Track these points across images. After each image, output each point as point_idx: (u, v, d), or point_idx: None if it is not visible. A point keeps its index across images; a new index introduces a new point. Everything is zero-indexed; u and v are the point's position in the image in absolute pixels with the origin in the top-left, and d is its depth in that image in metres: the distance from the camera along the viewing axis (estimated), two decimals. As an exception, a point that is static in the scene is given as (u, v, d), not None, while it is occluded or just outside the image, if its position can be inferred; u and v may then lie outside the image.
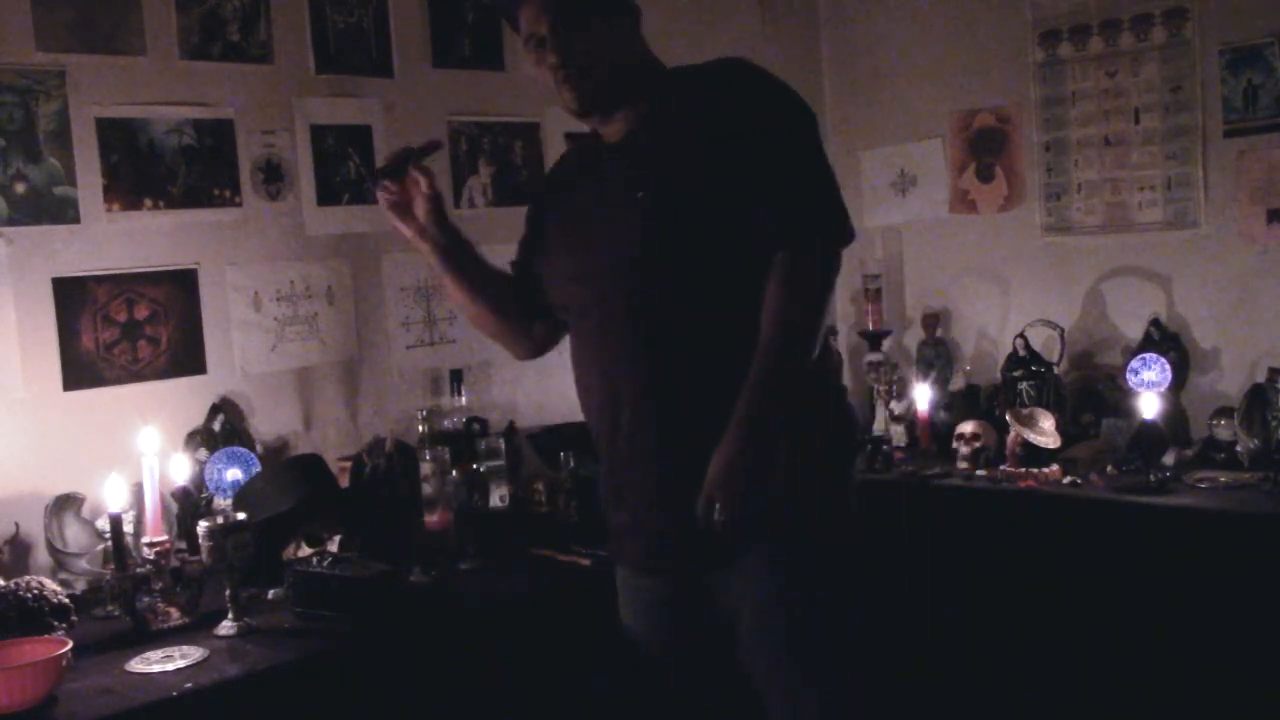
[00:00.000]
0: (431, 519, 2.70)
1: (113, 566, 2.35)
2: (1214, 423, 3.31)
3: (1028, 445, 3.38)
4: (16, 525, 2.58)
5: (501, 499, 2.91)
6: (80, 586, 2.54)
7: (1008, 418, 3.44)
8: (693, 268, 1.96)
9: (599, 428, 2.11)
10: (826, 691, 2.03)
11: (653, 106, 2.03)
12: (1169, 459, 3.18)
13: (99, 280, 2.76)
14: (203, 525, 2.32)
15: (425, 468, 2.71)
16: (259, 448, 2.92)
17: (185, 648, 2.21)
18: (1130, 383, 3.43)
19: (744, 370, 1.91)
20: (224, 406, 2.92)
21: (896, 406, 3.77)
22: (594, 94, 2.04)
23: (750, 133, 1.94)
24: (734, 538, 1.91)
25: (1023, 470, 3.34)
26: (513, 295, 2.26)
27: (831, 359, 2.20)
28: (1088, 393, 3.66)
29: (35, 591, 2.26)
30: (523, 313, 2.26)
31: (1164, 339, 3.51)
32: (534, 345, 2.33)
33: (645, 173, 2.00)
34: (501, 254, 3.47)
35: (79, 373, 2.73)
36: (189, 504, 2.70)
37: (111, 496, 2.34)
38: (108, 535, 2.40)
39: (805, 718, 2.02)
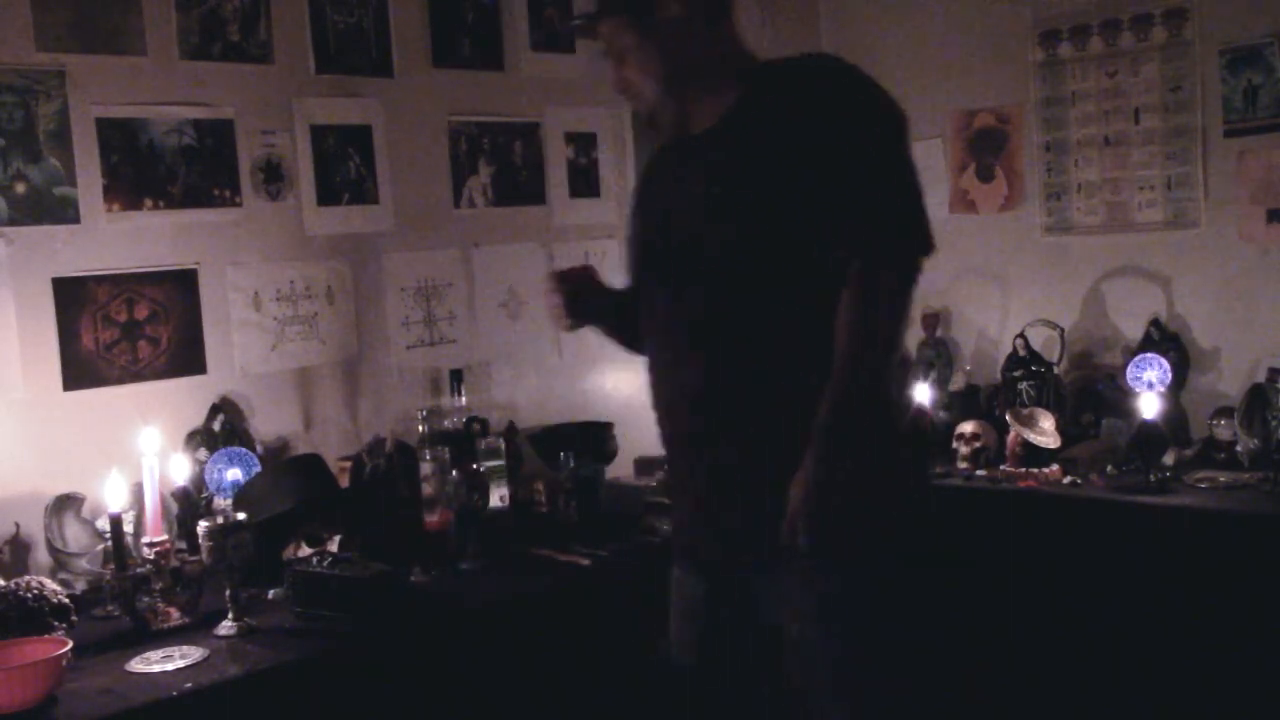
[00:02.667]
0: (431, 519, 2.70)
1: (113, 566, 2.34)
2: (1214, 423, 3.31)
3: (1028, 445, 3.39)
4: (16, 525, 2.58)
5: (501, 499, 2.91)
6: (80, 586, 2.54)
7: (1008, 418, 3.44)
8: (760, 274, 1.92)
9: (662, 424, 2.12)
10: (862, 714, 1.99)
11: (739, 101, 1.99)
12: (1169, 459, 3.18)
13: (99, 280, 2.76)
14: (203, 525, 2.32)
15: (425, 468, 2.71)
16: (259, 448, 2.92)
17: (185, 648, 2.21)
18: (1130, 383, 3.43)
19: (804, 379, 1.88)
20: (224, 406, 2.92)
21: (896, 406, 3.77)
22: (651, 112, 2.07)
23: (831, 139, 1.88)
24: (820, 556, 1.87)
25: (1023, 470, 3.34)
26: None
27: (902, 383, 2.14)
28: (1088, 393, 3.66)
29: (35, 591, 2.26)
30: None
31: (1164, 339, 3.51)
32: None
33: (721, 173, 1.97)
34: (501, 253, 3.49)
35: (79, 373, 2.73)
36: (189, 504, 2.69)
37: (111, 496, 2.34)
38: (108, 535, 2.40)
39: None
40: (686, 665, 2.15)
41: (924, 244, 1.93)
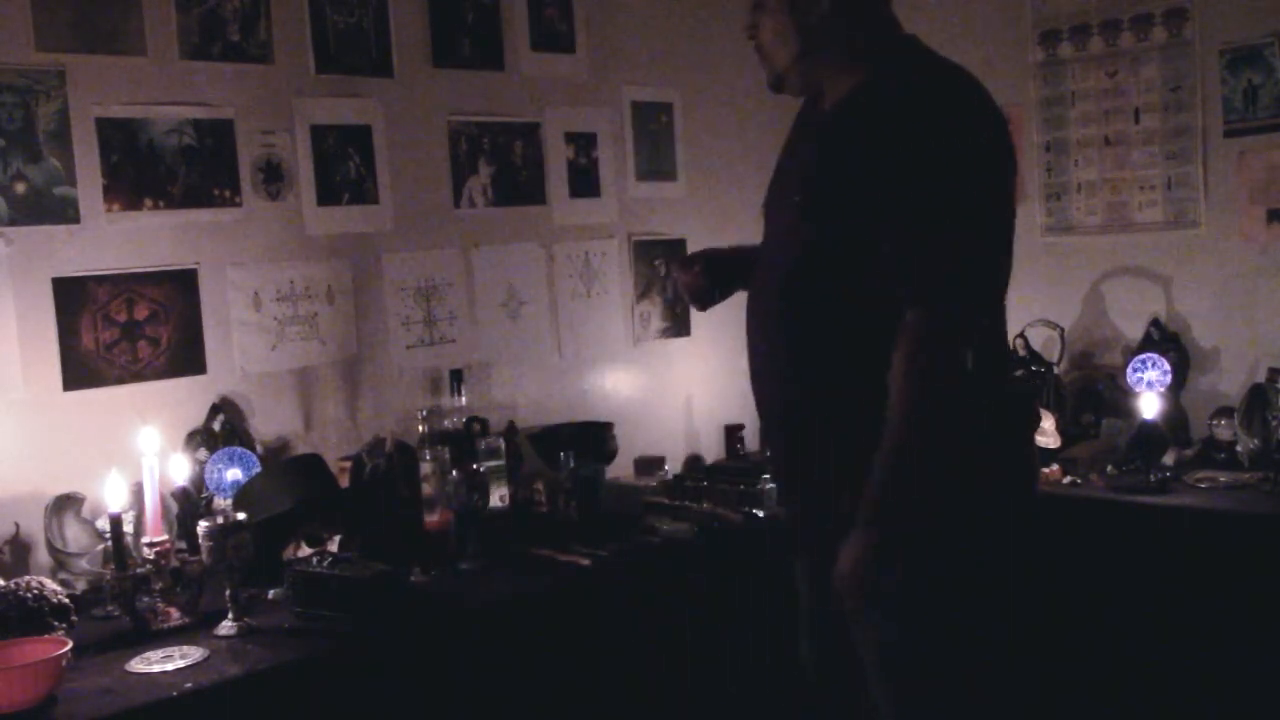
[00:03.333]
0: (431, 519, 2.71)
1: (113, 566, 2.34)
2: (1214, 423, 3.31)
3: (1028, 445, 3.38)
4: (16, 525, 2.58)
5: (501, 499, 2.91)
6: (80, 586, 2.54)
7: (1008, 418, 3.43)
8: (831, 286, 1.91)
9: (753, 389, 2.13)
10: None
11: (856, 91, 1.94)
12: (1169, 459, 3.18)
13: (99, 280, 2.76)
14: (203, 525, 2.32)
15: (425, 468, 2.71)
16: (259, 448, 2.92)
17: (185, 648, 2.21)
18: (1130, 383, 3.43)
19: (865, 393, 1.86)
20: (224, 406, 2.91)
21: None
22: (778, 80, 2.05)
23: (913, 168, 1.82)
24: (871, 609, 1.90)
25: (1023, 470, 3.34)
26: None
27: (1007, 417, 2.03)
28: (1088, 393, 3.66)
29: (35, 591, 2.26)
30: None
31: (1164, 339, 3.51)
32: None
33: (814, 175, 1.97)
34: (501, 253, 3.49)
35: (79, 373, 2.72)
36: (189, 504, 2.69)
37: (111, 496, 2.34)
38: (108, 535, 2.40)
39: None
40: (808, 657, 2.20)
41: (973, 295, 1.88)
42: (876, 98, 1.91)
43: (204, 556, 2.33)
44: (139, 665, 2.14)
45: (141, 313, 2.83)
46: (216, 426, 2.87)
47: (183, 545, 2.60)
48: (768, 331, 2.03)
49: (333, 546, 2.69)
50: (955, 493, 1.88)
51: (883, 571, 1.84)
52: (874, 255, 1.85)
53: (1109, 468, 3.28)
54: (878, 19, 2.01)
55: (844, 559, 1.86)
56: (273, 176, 3.04)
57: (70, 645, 2.03)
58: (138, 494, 2.51)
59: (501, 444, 2.97)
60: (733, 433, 3.82)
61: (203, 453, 2.81)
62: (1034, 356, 3.63)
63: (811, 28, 1.96)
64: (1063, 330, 3.66)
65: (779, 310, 1.99)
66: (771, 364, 2.02)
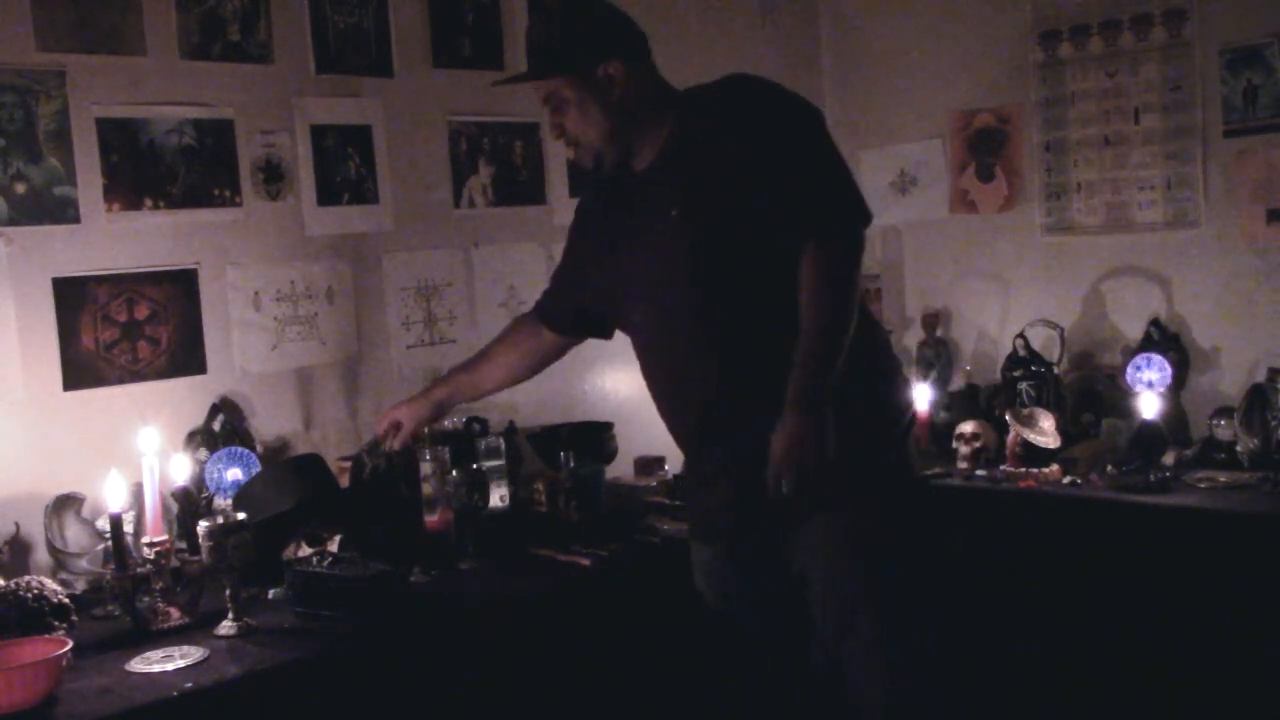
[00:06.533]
0: (431, 519, 2.70)
1: (113, 566, 2.34)
2: (1214, 423, 3.31)
3: (1028, 445, 3.38)
4: (16, 525, 2.58)
5: (501, 499, 2.91)
6: (80, 586, 2.54)
7: (1008, 418, 3.44)
8: (731, 271, 2.13)
9: (673, 424, 2.34)
10: (897, 648, 2.17)
11: (674, 131, 2.21)
12: (1169, 459, 3.18)
13: (99, 280, 2.76)
14: (203, 525, 2.32)
15: (425, 468, 2.71)
16: (259, 448, 2.92)
17: (185, 648, 2.21)
18: (1130, 383, 3.43)
19: (790, 358, 2.08)
20: (224, 406, 2.92)
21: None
22: (598, 158, 2.23)
23: (763, 141, 2.13)
24: (803, 506, 2.10)
25: (1023, 470, 3.34)
26: (553, 319, 2.58)
27: (879, 335, 2.40)
28: (1088, 393, 3.65)
29: (35, 591, 2.26)
30: (544, 346, 2.63)
31: (1164, 339, 3.51)
32: (557, 353, 2.67)
33: (675, 192, 2.17)
34: (502, 253, 3.49)
35: (79, 373, 2.73)
36: (189, 504, 2.69)
37: (111, 496, 2.34)
38: (108, 535, 2.40)
39: (874, 674, 2.17)
40: (719, 614, 2.40)
41: (861, 215, 2.17)
42: (701, 119, 2.18)
43: (204, 556, 2.33)
44: (139, 665, 2.14)
45: (141, 313, 2.83)
46: (216, 426, 2.87)
47: (183, 545, 2.61)
48: (690, 332, 2.20)
49: (333, 546, 2.68)
50: (871, 383, 2.19)
51: (816, 451, 2.04)
52: (771, 227, 2.10)
53: (1109, 468, 3.28)
54: (656, 78, 2.26)
55: (778, 443, 2.05)
56: (273, 176, 3.04)
57: (70, 645, 2.03)
58: (138, 494, 2.51)
59: (501, 444, 2.96)
60: (733, 433, 3.82)
61: (203, 453, 2.81)
62: (1034, 356, 3.63)
63: (614, 104, 2.18)
64: (1063, 330, 3.66)
65: (698, 307, 2.17)
66: (702, 355, 2.20)
